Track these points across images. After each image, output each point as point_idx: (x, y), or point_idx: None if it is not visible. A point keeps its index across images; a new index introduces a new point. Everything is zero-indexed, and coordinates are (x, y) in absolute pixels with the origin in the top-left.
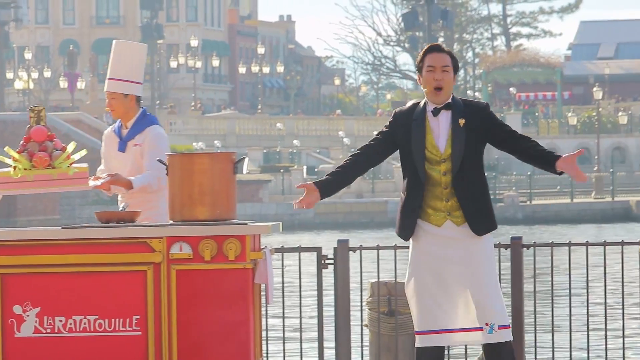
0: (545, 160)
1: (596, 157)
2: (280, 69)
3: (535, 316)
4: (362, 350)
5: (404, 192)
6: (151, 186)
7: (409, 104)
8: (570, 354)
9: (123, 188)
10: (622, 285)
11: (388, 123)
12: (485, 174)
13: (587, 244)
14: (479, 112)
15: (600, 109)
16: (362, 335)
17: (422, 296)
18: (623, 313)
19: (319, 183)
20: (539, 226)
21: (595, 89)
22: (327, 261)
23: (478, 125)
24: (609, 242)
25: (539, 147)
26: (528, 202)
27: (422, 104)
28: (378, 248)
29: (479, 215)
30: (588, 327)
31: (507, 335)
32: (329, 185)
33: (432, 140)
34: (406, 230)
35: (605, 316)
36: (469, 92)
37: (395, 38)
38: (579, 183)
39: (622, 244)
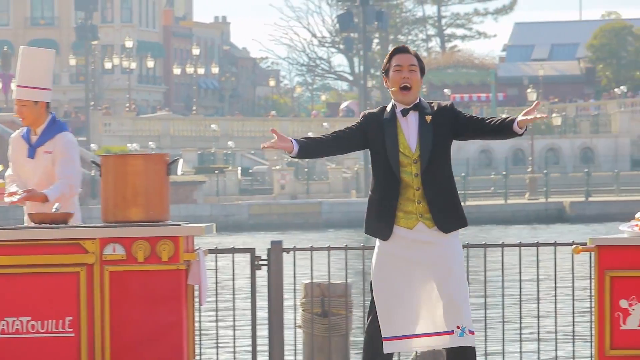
0: (506, 127)
1: (530, 159)
2: (215, 70)
3: None
4: (295, 351)
5: (376, 192)
6: (64, 195)
7: (378, 108)
8: (503, 357)
9: (39, 202)
10: (555, 287)
11: (358, 121)
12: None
13: (520, 245)
14: (444, 109)
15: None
16: (295, 336)
17: (390, 302)
18: (556, 315)
19: (295, 139)
20: (473, 227)
21: (529, 90)
22: (260, 262)
23: (444, 121)
24: (542, 242)
25: (496, 119)
26: (462, 203)
27: (390, 106)
28: (312, 249)
29: (447, 213)
30: (521, 329)
31: (473, 340)
32: (305, 145)
33: (404, 141)
34: (385, 230)
35: (538, 317)
36: None
37: (330, 39)
38: (512, 184)
39: (555, 244)
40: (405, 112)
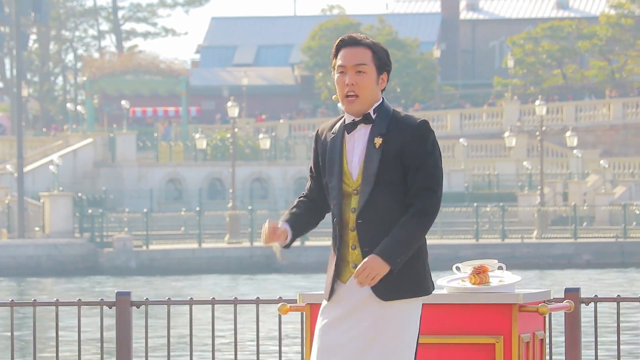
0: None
1: (231, 191)
2: None
3: None
4: None
5: (332, 233)
6: None
7: (335, 118)
8: None
9: None
10: (258, 347)
11: (313, 147)
12: (97, 212)
13: (213, 302)
14: (404, 131)
15: (236, 130)
16: None
17: None
18: None
19: (286, 221)
20: (159, 277)
21: (230, 103)
22: None
23: (398, 150)
24: (240, 299)
25: (400, 224)
26: (144, 247)
27: (342, 116)
28: None
29: (390, 273)
30: None
31: None
32: (296, 225)
33: (345, 165)
34: (329, 286)
35: None
36: (68, 104)
37: None
38: (209, 223)
39: (258, 302)
40: (350, 127)
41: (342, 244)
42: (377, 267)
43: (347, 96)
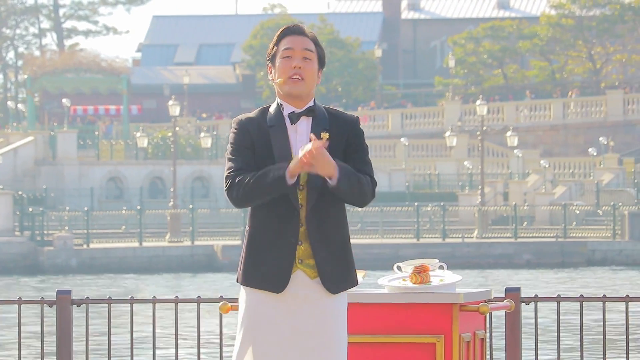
0: None
1: (172, 190)
2: None
3: None
4: None
5: (263, 226)
6: None
7: (254, 111)
8: None
9: None
10: (198, 346)
11: (235, 133)
12: (25, 210)
13: (154, 301)
14: (346, 127)
15: (177, 129)
16: None
17: None
18: None
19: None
20: (100, 276)
21: (171, 102)
22: None
23: (343, 146)
24: (181, 298)
25: None
26: (85, 246)
27: (273, 107)
28: None
29: (336, 267)
30: None
31: None
32: None
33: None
34: (279, 281)
35: None
36: (9, 102)
37: None
38: (150, 222)
39: (199, 301)
40: (294, 118)
41: (291, 239)
42: (329, 158)
43: (293, 78)
